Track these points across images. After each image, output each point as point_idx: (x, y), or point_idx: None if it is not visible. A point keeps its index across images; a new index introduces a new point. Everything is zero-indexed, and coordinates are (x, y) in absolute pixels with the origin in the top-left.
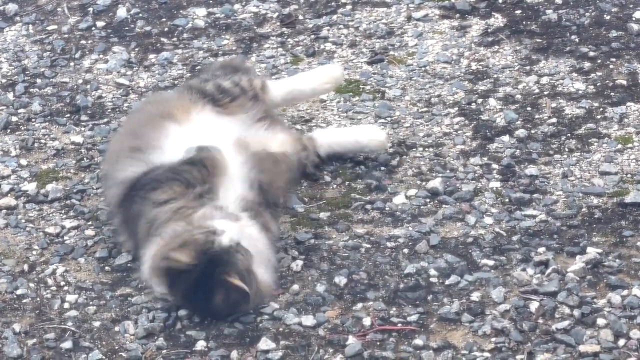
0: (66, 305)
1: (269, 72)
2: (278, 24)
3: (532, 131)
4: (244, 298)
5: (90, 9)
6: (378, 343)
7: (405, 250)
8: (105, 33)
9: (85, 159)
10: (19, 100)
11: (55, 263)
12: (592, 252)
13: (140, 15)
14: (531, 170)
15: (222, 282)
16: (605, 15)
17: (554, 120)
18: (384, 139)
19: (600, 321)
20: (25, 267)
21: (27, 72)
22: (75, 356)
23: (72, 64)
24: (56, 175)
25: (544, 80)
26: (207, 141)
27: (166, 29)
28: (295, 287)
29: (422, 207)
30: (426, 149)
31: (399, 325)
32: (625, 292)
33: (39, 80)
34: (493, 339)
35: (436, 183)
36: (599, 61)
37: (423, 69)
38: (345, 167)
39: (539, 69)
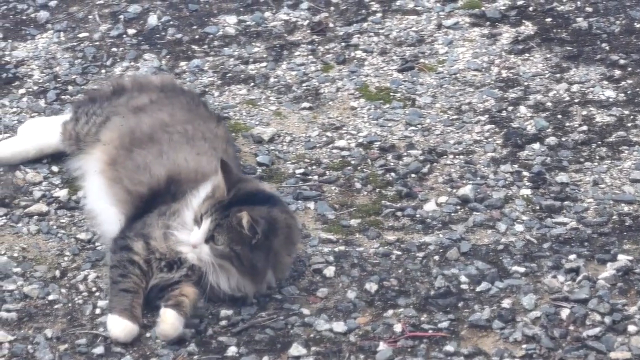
0: (98, 311)
1: (300, 80)
2: (308, 31)
3: (563, 139)
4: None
5: (121, 17)
6: (409, 350)
7: (436, 257)
8: (137, 40)
9: None
10: (50, 107)
11: (86, 269)
12: (622, 259)
13: (171, 22)
14: (562, 177)
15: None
16: (635, 23)
17: (584, 128)
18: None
19: (631, 328)
20: (57, 273)
21: (59, 79)
22: None
23: (103, 71)
24: None
25: (575, 88)
26: None
27: (197, 37)
28: (326, 293)
29: (452, 214)
30: (457, 157)
31: (430, 331)
32: None
33: (70, 88)
34: (524, 346)
35: (467, 190)
36: (630, 69)
37: (453, 76)
38: (376, 174)
39: (569, 77)
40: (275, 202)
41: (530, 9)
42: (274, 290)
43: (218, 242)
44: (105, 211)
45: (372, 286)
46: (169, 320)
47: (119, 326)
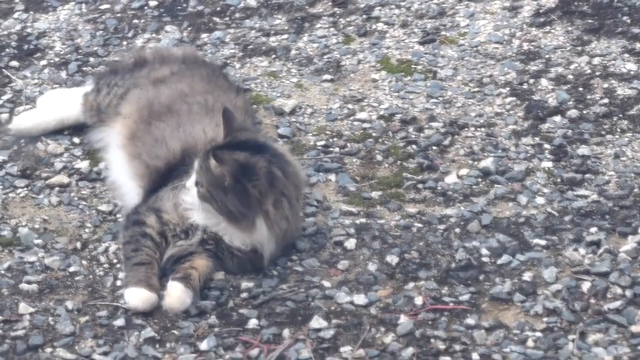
0: (118, 283)
1: (321, 52)
2: (330, 3)
3: (584, 111)
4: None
5: None
6: (430, 322)
7: (457, 230)
8: (158, 12)
9: None
10: (71, 78)
11: (107, 241)
12: None
13: None
14: (583, 150)
15: None
16: None
17: (605, 100)
18: None
19: None
20: (78, 244)
21: (80, 50)
22: (127, 334)
23: (124, 43)
24: None
25: (596, 60)
26: None
27: (218, 9)
28: (347, 265)
29: (474, 186)
30: (478, 129)
31: (451, 304)
32: None
33: (91, 59)
34: (545, 319)
35: (488, 163)
36: None
37: (475, 49)
38: (397, 146)
39: (590, 50)
40: (264, 151)
41: None
42: (294, 261)
43: (200, 184)
44: (126, 185)
45: (393, 259)
46: (174, 294)
47: (136, 295)
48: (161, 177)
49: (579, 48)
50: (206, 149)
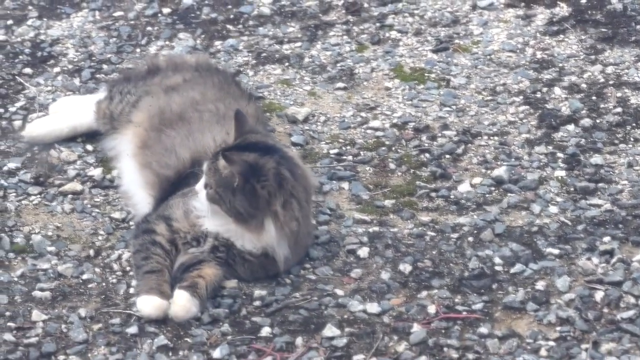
0: (131, 290)
1: (335, 60)
2: (343, 11)
3: (597, 120)
4: None
5: None
6: (443, 331)
7: (470, 239)
8: (171, 20)
9: None
10: (85, 86)
11: (120, 248)
12: None
13: (206, 2)
14: (596, 159)
15: None
16: None
17: (619, 109)
18: None
19: None
20: (91, 252)
21: (94, 58)
22: (140, 341)
23: (138, 50)
24: None
25: (609, 69)
26: None
27: (232, 16)
28: (360, 273)
29: (487, 195)
30: (491, 137)
31: (464, 313)
32: None
33: (105, 66)
34: (558, 328)
35: (501, 171)
36: None
37: (488, 57)
38: (410, 154)
39: (604, 59)
40: (273, 153)
41: None
42: (307, 269)
43: (209, 186)
44: (137, 194)
45: (406, 267)
46: (179, 302)
47: (148, 303)
48: (171, 186)
49: (593, 57)
50: (215, 151)
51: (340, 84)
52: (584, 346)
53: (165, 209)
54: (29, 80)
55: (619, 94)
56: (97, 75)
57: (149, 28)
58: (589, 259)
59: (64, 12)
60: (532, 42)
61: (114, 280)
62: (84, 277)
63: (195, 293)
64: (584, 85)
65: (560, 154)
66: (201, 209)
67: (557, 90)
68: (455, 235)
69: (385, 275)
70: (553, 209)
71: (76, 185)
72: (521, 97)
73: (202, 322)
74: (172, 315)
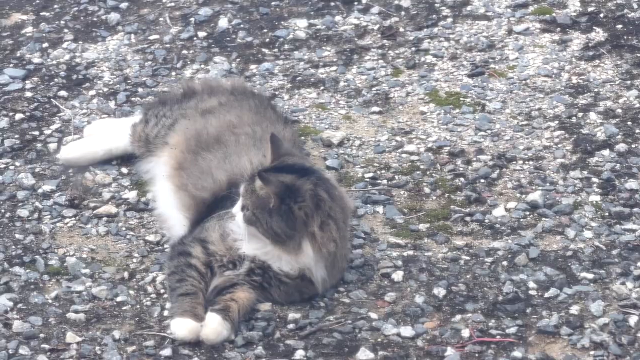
0: (165, 313)
1: (370, 84)
2: (379, 35)
3: (633, 145)
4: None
5: (192, 19)
6: (477, 355)
7: (505, 263)
8: (207, 43)
9: None
10: (120, 109)
11: (155, 271)
12: None
13: (242, 25)
14: (631, 184)
15: None
16: None
17: None
18: None
19: None
20: (126, 274)
21: (129, 81)
22: None
23: (173, 73)
24: None
25: None
26: None
27: (267, 40)
28: (394, 297)
29: (521, 219)
30: (526, 162)
31: (498, 337)
32: None
33: (140, 90)
34: (592, 352)
35: (536, 196)
36: None
37: (524, 82)
38: (445, 179)
39: (639, 84)
40: (310, 174)
41: (601, 15)
42: (341, 293)
43: (245, 207)
44: (172, 216)
45: (440, 291)
46: (211, 325)
47: (182, 325)
48: (207, 208)
49: (628, 82)
50: (252, 173)
51: (375, 108)
52: None
53: (202, 232)
54: (64, 103)
55: None
56: (132, 99)
57: (184, 51)
58: (623, 283)
59: (100, 35)
60: (568, 67)
61: (148, 303)
62: (118, 299)
63: (227, 316)
64: (619, 111)
65: (595, 179)
66: (238, 232)
67: (592, 115)
68: (489, 260)
69: (419, 299)
70: (587, 234)
71: (111, 208)
72: (556, 122)
73: (235, 344)
74: (204, 338)
